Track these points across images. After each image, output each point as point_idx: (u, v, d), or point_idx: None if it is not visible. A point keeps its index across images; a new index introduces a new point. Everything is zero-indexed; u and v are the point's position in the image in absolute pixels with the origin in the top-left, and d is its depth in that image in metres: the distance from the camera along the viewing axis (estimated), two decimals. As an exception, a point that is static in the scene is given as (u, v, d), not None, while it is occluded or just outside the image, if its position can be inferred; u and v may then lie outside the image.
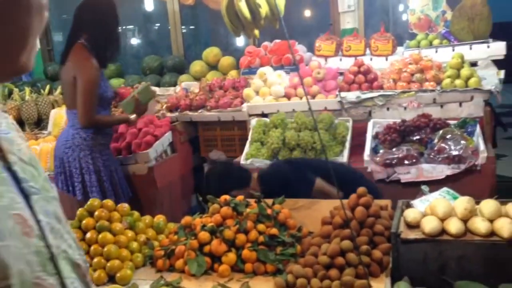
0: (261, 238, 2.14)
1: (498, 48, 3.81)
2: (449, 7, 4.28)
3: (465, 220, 2.01)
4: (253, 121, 3.79)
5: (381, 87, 3.70)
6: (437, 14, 4.34)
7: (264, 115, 3.91)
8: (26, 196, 0.75)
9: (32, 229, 0.73)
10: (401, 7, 5.77)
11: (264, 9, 3.60)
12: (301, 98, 3.87)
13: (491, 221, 1.95)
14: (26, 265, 0.71)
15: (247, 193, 2.59)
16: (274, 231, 2.17)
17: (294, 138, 3.40)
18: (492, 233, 1.92)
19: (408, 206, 2.33)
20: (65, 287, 0.77)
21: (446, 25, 4.25)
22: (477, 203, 2.08)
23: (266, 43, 4.63)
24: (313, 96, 3.86)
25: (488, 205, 2.00)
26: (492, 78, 3.54)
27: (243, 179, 2.77)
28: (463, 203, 2.05)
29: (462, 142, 3.02)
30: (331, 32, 4.56)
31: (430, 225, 1.99)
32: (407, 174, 3.08)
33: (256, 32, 3.91)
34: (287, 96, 3.94)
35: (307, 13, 6.52)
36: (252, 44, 5.00)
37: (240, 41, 6.01)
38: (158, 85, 4.86)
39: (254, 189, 2.67)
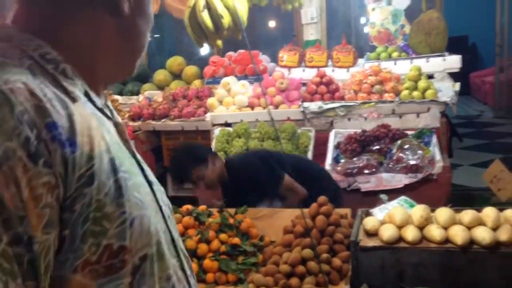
0: (223, 248, 2.14)
1: (454, 61, 3.95)
2: (407, 21, 4.42)
3: (421, 228, 2.07)
4: (217, 131, 3.80)
5: (342, 98, 3.78)
6: (396, 27, 4.47)
7: (227, 124, 3.92)
8: (149, 184, 0.80)
9: (158, 211, 0.79)
10: (362, 20, 5.92)
11: (226, 20, 3.62)
12: (264, 108, 3.90)
13: (445, 228, 2.02)
14: (161, 238, 0.76)
15: (207, 180, 2.58)
16: (236, 240, 2.17)
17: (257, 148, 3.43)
18: (447, 240, 1.98)
19: (368, 214, 2.38)
20: (184, 271, 0.82)
21: (405, 38, 4.38)
22: (433, 211, 2.15)
23: (230, 53, 4.65)
24: (276, 106, 3.90)
25: (443, 213, 2.07)
26: (448, 90, 3.66)
27: (202, 157, 2.71)
28: (419, 211, 2.11)
29: (419, 152, 3.11)
30: (295, 43, 4.63)
31: (388, 233, 2.04)
32: (367, 183, 3.14)
33: (219, 42, 3.93)
34: (251, 106, 3.97)
35: (272, 24, 6.60)
36: (216, 54, 5.02)
37: (204, 50, 6.02)
38: (120, 93, 4.81)
39: (215, 171, 2.66)
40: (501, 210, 2.05)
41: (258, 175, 2.67)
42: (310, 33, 4.73)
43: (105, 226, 0.68)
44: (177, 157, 2.89)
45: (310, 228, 2.06)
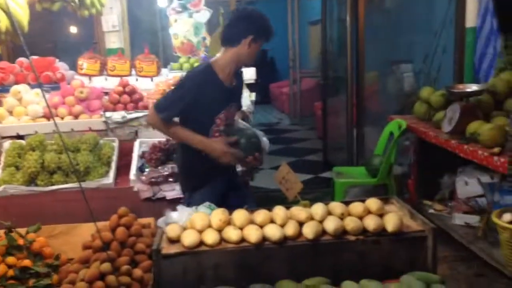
0: (10, 272, 1.93)
1: (250, 73, 4.25)
2: (208, 34, 4.62)
3: (220, 230, 2.16)
4: (7, 144, 3.43)
5: (146, 107, 3.75)
6: (198, 39, 4.63)
7: (19, 137, 3.56)
8: None
9: None
10: (170, 30, 5.98)
11: (4, 23, 3.27)
12: (62, 118, 3.66)
13: (242, 229, 2.15)
14: None
15: None
16: (26, 262, 1.99)
17: (55, 161, 3.19)
18: (243, 239, 2.11)
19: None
20: None
21: (206, 50, 4.56)
22: (231, 213, 2.27)
23: (22, 59, 4.26)
24: (76, 116, 3.69)
25: (239, 215, 2.20)
26: (245, 100, 3.91)
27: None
28: (218, 215, 2.20)
29: (221, 158, 3.26)
30: (95, 51, 4.45)
31: (189, 238, 2.08)
32: (172, 191, 3.17)
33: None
34: (46, 116, 3.68)
35: (72, 30, 6.24)
36: (6, 59, 4.54)
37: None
38: None
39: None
40: (288, 208, 2.26)
41: None
42: (112, 41, 4.61)
43: None
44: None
45: (110, 241, 1.99)
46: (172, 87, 2.75)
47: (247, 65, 2.70)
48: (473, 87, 3.53)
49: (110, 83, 4.10)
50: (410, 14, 5.79)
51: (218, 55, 2.68)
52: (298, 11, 9.18)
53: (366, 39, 5.11)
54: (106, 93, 3.97)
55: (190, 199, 2.61)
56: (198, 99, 2.52)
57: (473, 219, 3.49)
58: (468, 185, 3.62)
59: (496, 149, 2.92)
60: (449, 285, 1.89)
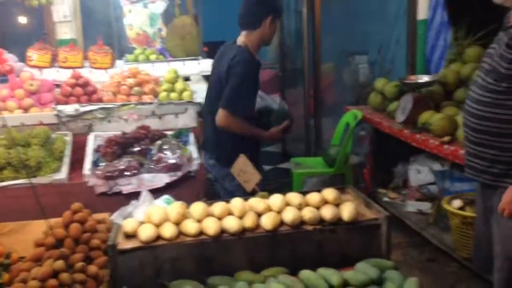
0: (-43, 274, 1.86)
1: (208, 65, 4.21)
2: (164, 25, 4.54)
3: (178, 224, 2.14)
4: (-49, 139, 3.27)
5: (100, 100, 3.67)
6: (154, 30, 4.55)
7: (-35, 132, 3.41)
8: None
9: None
10: (125, 21, 5.83)
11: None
12: (11, 112, 3.52)
13: (200, 221, 2.14)
14: None
15: None
16: (-26, 263, 1.91)
17: (4, 156, 3.06)
18: (201, 232, 2.10)
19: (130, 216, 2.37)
20: None
21: (163, 41, 4.49)
22: (189, 206, 2.26)
23: (-35, 50, 4.06)
24: (26, 110, 3.56)
25: (197, 208, 2.18)
26: (203, 92, 3.88)
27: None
28: (176, 208, 2.18)
29: (178, 151, 3.22)
30: (46, 41, 4.30)
31: (146, 233, 2.06)
32: (128, 185, 3.11)
33: None
34: (-5, 110, 3.54)
35: (21, 20, 5.98)
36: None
37: None
38: None
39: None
40: (246, 199, 2.26)
41: None
42: (64, 32, 4.47)
43: None
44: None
45: (63, 238, 1.94)
46: (233, 85, 2.73)
47: (267, 44, 2.98)
48: (425, 78, 3.64)
49: (62, 75, 3.97)
50: (365, 6, 5.89)
51: (241, 39, 2.82)
52: (256, 2, 9.14)
53: (322, 30, 5.16)
54: (58, 86, 3.85)
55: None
56: (256, 83, 2.77)
57: (425, 206, 3.62)
58: (420, 173, 3.74)
59: (446, 138, 3.02)
60: (402, 270, 1.95)
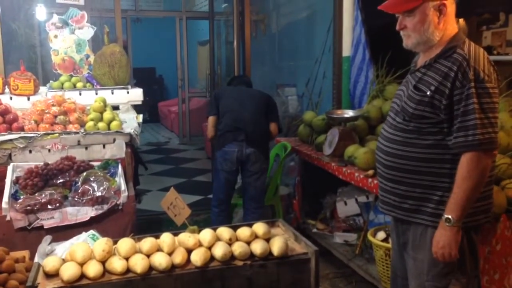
0: None
1: (137, 94, 4.14)
2: (92, 52, 4.43)
3: (104, 262, 2.06)
4: None
5: (22, 129, 3.48)
6: (81, 57, 4.42)
7: None
8: None
9: None
10: (50, 45, 5.63)
11: None
12: None
13: (127, 258, 2.07)
14: None
15: None
16: None
17: None
18: (128, 270, 2.03)
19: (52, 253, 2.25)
20: None
21: (90, 68, 4.37)
22: (116, 242, 2.18)
23: None
24: None
25: (124, 244, 2.12)
26: (132, 121, 3.81)
27: None
28: (101, 245, 2.10)
29: (105, 183, 3.12)
30: (-38, 65, 4.05)
31: (68, 272, 1.96)
32: (50, 219, 2.96)
33: None
34: None
35: None
36: None
37: None
38: None
39: None
40: (176, 234, 2.23)
41: None
42: (-17, 56, 4.23)
43: None
44: None
45: (-24, 281, 1.80)
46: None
47: None
48: (350, 113, 3.80)
49: (-20, 102, 3.74)
50: (294, 40, 6.10)
51: None
52: (187, 31, 9.18)
53: (252, 61, 5.27)
54: (-25, 113, 3.61)
55: None
56: None
57: (351, 237, 3.73)
58: (347, 205, 3.86)
59: (370, 172, 3.15)
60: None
